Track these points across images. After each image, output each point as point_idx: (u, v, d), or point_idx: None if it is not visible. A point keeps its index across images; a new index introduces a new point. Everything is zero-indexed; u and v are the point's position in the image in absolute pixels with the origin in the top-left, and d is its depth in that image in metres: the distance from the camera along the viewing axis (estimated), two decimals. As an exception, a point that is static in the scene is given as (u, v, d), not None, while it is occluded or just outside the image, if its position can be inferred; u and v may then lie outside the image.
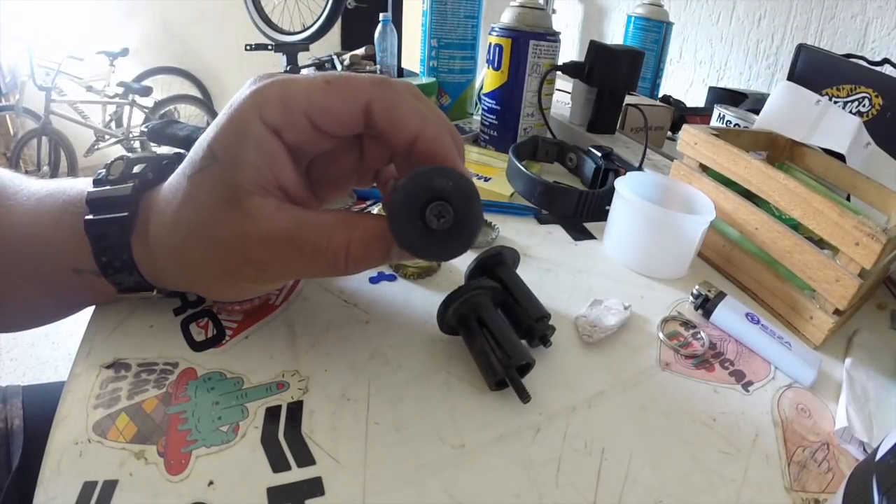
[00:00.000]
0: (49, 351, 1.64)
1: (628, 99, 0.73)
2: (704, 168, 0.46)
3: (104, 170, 0.27)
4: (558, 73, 0.65)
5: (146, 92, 2.64)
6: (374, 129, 0.22)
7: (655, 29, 0.93)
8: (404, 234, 0.19)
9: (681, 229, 0.40)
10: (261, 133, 0.21)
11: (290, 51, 1.30)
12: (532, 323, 0.31)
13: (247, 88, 0.22)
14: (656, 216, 0.40)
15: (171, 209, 0.23)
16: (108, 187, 0.26)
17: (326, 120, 0.22)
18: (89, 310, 0.30)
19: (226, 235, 0.22)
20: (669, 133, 0.77)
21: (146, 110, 2.67)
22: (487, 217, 0.46)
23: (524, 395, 0.27)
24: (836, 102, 0.60)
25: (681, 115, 0.82)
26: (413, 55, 0.83)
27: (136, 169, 0.26)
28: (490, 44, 0.62)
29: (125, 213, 0.25)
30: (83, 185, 0.27)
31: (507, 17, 0.61)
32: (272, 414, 0.25)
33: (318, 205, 0.28)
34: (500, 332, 0.28)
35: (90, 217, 0.25)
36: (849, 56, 0.66)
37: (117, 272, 0.25)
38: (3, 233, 0.26)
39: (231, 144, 0.22)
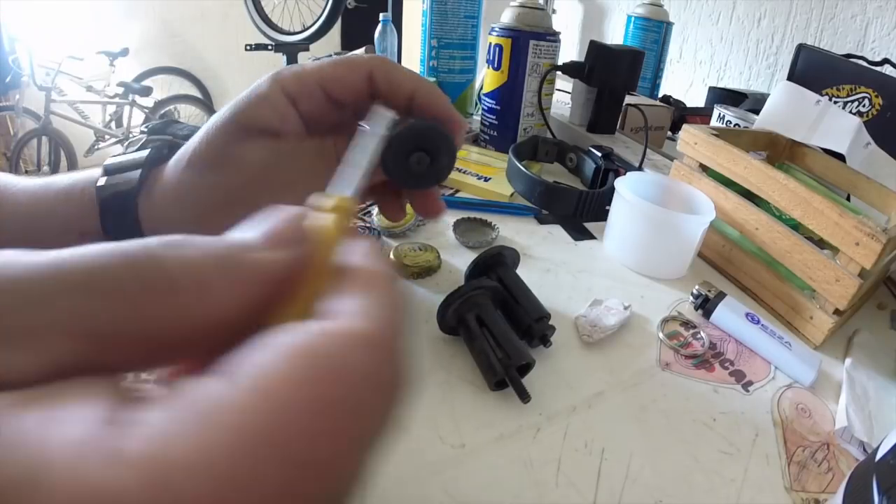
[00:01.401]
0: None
1: (628, 99, 0.73)
2: (704, 168, 0.46)
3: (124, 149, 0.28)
4: (558, 73, 0.65)
5: (146, 92, 2.64)
6: (377, 93, 0.25)
7: (655, 29, 0.93)
8: (392, 169, 0.24)
9: (681, 229, 0.40)
10: (277, 98, 0.24)
11: (290, 51, 1.30)
12: (532, 323, 0.31)
13: (265, 76, 0.25)
14: (656, 216, 0.40)
15: (183, 153, 0.25)
16: (123, 157, 0.27)
17: (336, 87, 0.25)
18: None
19: (232, 162, 0.24)
20: (669, 133, 0.77)
21: (146, 110, 2.67)
22: (487, 217, 0.46)
23: (524, 395, 0.27)
24: (836, 102, 0.60)
25: (681, 115, 0.82)
26: (413, 55, 0.83)
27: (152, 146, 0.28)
28: (490, 44, 0.62)
29: (137, 171, 0.26)
30: (96, 170, 0.28)
31: (507, 17, 0.61)
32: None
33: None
34: (500, 332, 0.28)
35: (103, 180, 0.26)
36: (849, 56, 0.66)
37: (119, 227, 0.26)
38: (9, 211, 0.26)
39: (249, 105, 0.24)
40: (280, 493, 0.09)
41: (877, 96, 0.58)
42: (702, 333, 0.36)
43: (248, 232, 0.12)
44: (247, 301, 0.11)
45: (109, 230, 0.25)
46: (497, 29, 0.61)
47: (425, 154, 0.25)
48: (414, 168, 0.25)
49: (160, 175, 0.26)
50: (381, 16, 1.08)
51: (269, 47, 1.48)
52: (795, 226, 0.39)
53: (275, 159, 0.25)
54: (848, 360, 0.35)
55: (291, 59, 1.29)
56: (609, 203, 0.45)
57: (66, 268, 0.10)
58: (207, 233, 0.22)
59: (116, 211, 0.26)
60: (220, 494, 0.08)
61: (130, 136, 2.69)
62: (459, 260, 0.40)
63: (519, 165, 0.50)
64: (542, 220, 0.49)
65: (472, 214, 0.46)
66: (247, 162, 0.24)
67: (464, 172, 0.55)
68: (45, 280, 0.10)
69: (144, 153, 0.27)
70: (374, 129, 0.21)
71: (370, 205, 0.47)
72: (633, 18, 0.94)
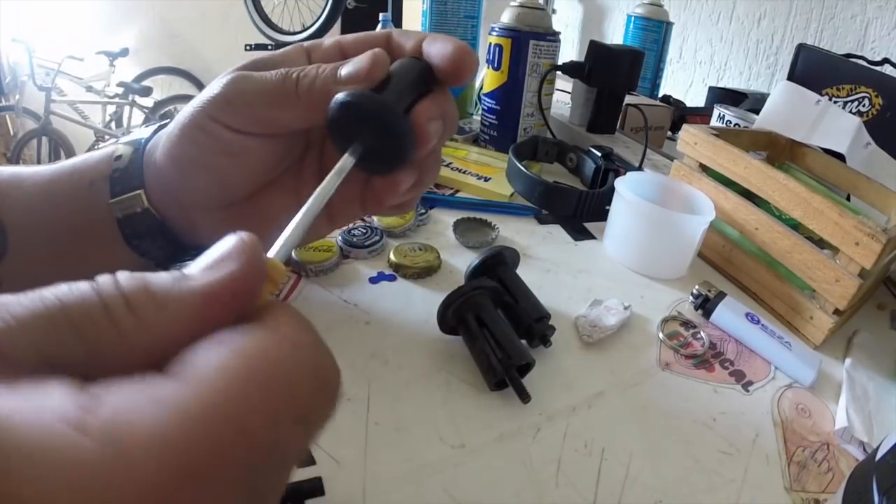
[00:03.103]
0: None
1: (628, 99, 0.73)
2: (704, 168, 0.46)
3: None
4: (558, 73, 0.65)
5: (146, 92, 2.64)
6: (393, 49, 0.27)
7: (655, 29, 0.93)
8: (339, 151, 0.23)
9: (681, 229, 0.40)
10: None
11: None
12: (532, 323, 0.31)
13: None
14: (656, 216, 0.40)
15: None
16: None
17: (359, 44, 0.27)
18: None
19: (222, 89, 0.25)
20: (669, 133, 0.77)
21: (146, 110, 2.67)
22: (487, 217, 0.46)
23: (524, 395, 0.27)
24: (836, 102, 0.60)
25: (681, 115, 0.82)
26: (413, 55, 0.83)
27: None
28: (490, 44, 0.62)
29: (144, 138, 0.28)
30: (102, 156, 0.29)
31: (507, 17, 0.61)
32: (272, 414, 0.25)
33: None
34: (500, 332, 0.28)
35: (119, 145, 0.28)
36: (849, 56, 0.66)
37: (123, 175, 0.27)
38: (29, 182, 0.27)
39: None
40: (226, 463, 0.10)
41: (877, 96, 0.58)
42: (702, 333, 0.36)
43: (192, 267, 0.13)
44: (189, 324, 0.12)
45: (114, 174, 0.27)
46: (497, 29, 0.61)
47: (368, 129, 0.22)
48: (359, 149, 0.22)
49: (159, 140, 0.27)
50: (381, 16, 1.08)
51: (269, 47, 1.48)
52: (795, 226, 0.39)
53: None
54: (848, 361, 0.35)
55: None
56: (609, 203, 0.45)
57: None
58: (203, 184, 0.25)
59: (123, 169, 0.27)
60: (173, 464, 0.09)
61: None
62: (459, 260, 0.40)
63: (519, 165, 0.50)
64: (542, 220, 0.49)
65: (472, 214, 0.46)
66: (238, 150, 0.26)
67: (464, 172, 0.55)
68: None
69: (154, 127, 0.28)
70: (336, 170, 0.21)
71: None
72: (632, 18, 0.94)
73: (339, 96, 0.22)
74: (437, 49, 0.25)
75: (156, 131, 0.28)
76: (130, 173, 0.27)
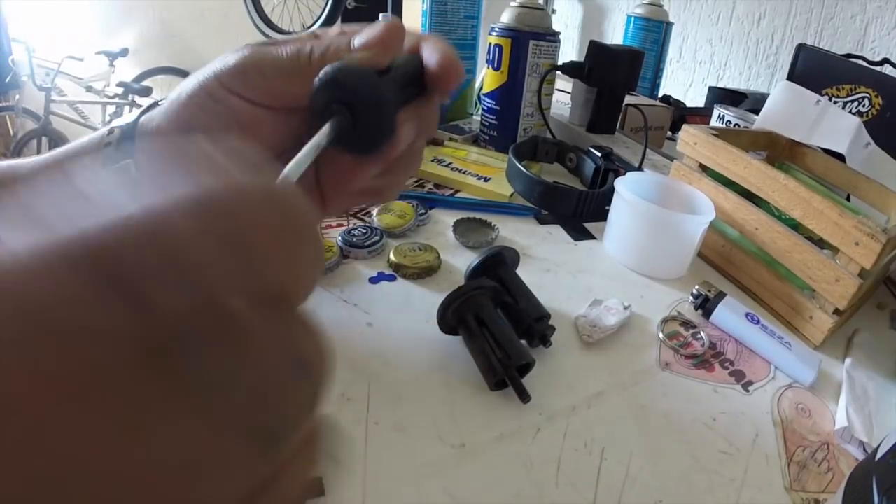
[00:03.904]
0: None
1: (628, 99, 0.73)
2: (704, 168, 0.46)
3: None
4: (558, 73, 0.65)
5: (146, 92, 2.63)
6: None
7: (655, 29, 0.93)
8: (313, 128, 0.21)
9: (681, 229, 0.40)
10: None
11: (290, 51, 1.30)
12: (532, 323, 0.31)
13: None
14: (656, 216, 0.40)
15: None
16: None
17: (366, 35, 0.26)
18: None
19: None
20: (669, 133, 0.77)
21: (146, 110, 2.66)
22: (487, 217, 0.46)
23: (524, 395, 0.27)
24: (836, 102, 0.60)
25: (681, 115, 0.82)
26: (413, 55, 0.83)
27: None
28: (490, 44, 0.62)
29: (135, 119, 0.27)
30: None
31: (506, 17, 0.61)
32: (272, 414, 0.25)
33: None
34: (500, 332, 0.28)
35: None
36: (849, 56, 0.66)
37: (115, 151, 0.26)
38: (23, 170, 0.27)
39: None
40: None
41: (877, 96, 0.58)
42: (702, 333, 0.36)
43: None
44: None
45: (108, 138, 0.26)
46: (497, 29, 0.61)
47: (344, 108, 0.21)
48: (337, 123, 0.21)
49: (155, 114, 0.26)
50: (380, 16, 1.08)
51: (269, 47, 1.47)
52: (795, 226, 0.39)
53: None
54: (848, 360, 0.35)
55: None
56: (609, 203, 0.45)
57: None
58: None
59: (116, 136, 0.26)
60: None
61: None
62: (459, 260, 0.40)
63: (519, 165, 0.50)
64: (541, 220, 0.49)
65: (472, 214, 0.46)
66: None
67: (464, 172, 0.55)
68: None
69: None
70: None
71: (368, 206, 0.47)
72: (632, 18, 0.94)
73: (337, 63, 0.21)
74: (429, 52, 0.25)
75: (144, 112, 0.28)
76: (122, 149, 0.27)
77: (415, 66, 0.25)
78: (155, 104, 0.28)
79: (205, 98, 0.24)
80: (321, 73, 0.21)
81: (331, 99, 0.21)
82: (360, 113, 0.21)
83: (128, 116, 0.29)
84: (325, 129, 0.20)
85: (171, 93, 0.26)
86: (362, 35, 0.24)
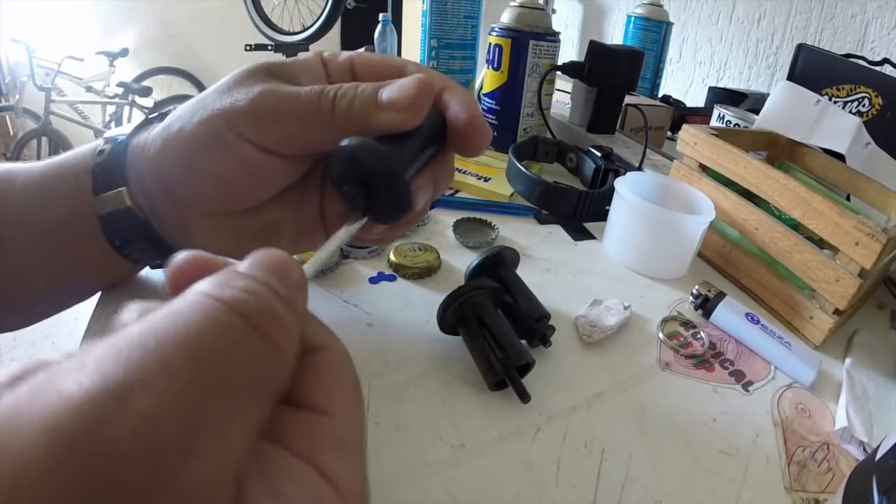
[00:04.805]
0: (49, 351, 1.64)
1: (628, 99, 0.73)
2: (704, 168, 0.46)
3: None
4: (558, 73, 0.65)
5: (146, 92, 2.64)
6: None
7: (655, 29, 0.93)
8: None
9: (681, 229, 0.40)
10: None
11: (290, 51, 1.31)
12: (532, 323, 0.31)
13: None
14: (656, 216, 0.40)
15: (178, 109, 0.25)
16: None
17: (372, 67, 0.25)
18: (90, 310, 0.30)
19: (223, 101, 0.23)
20: (669, 133, 0.77)
21: (146, 110, 2.67)
22: (487, 217, 0.46)
23: (524, 395, 0.27)
24: (836, 102, 0.60)
25: (681, 115, 0.82)
26: (413, 55, 0.83)
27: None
28: (490, 44, 0.62)
29: (126, 134, 0.26)
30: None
31: (506, 17, 0.61)
32: (272, 414, 0.25)
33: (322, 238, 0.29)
34: (500, 332, 0.28)
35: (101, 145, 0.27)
36: (849, 56, 0.66)
37: (104, 169, 0.26)
38: (18, 183, 0.27)
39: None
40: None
41: (877, 96, 0.58)
42: (702, 333, 0.36)
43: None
44: None
45: (97, 168, 0.26)
46: (497, 29, 0.61)
47: (358, 184, 0.21)
48: (349, 201, 0.21)
49: (149, 135, 0.25)
50: (380, 16, 1.08)
51: (269, 47, 1.48)
52: (795, 226, 0.39)
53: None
54: (848, 360, 0.35)
55: (291, 60, 1.29)
56: (609, 203, 0.45)
57: None
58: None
59: (106, 158, 0.26)
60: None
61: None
62: (459, 260, 0.40)
63: (519, 165, 0.50)
64: (541, 220, 0.49)
65: (472, 214, 0.46)
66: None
67: (464, 172, 0.55)
68: None
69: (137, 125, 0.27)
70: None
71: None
72: (632, 18, 0.94)
73: (357, 140, 0.20)
74: (456, 107, 0.23)
75: (138, 128, 0.26)
76: (110, 168, 0.26)
77: (438, 124, 0.23)
78: (147, 121, 0.27)
79: (212, 141, 0.23)
80: (340, 146, 0.20)
81: (347, 176, 0.21)
82: (376, 195, 0.21)
83: (116, 131, 0.28)
84: (344, 229, 0.20)
85: (168, 116, 0.25)
86: (391, 90, 0.22)
